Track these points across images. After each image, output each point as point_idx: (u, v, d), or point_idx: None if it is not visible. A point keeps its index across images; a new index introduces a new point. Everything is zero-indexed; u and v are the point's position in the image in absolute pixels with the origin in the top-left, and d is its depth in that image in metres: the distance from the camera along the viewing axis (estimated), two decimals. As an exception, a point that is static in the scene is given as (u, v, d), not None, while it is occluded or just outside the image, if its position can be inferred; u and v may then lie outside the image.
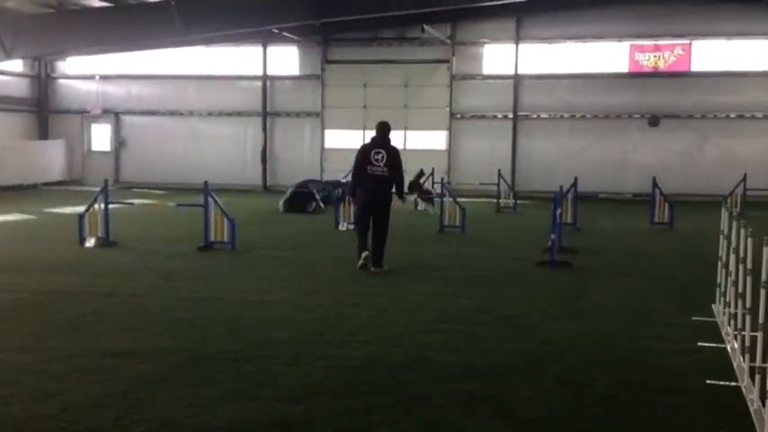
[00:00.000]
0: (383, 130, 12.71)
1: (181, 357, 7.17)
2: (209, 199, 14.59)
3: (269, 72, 35.04)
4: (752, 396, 5.98)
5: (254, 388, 6.27)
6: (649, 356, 7.40)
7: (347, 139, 33.60)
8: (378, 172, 12.24)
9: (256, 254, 14.32)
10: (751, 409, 5.82)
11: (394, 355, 7.30)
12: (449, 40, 32.95)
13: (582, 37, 31.86)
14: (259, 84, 35.08)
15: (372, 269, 12.09)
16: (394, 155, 12.42)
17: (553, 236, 13.32)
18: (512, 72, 32.79)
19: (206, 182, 14.85)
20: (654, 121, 31.07)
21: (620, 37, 31.44)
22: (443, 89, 33.51)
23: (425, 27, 30.70)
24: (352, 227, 18.94)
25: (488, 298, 10.27)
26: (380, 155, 12.38)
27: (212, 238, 14.60)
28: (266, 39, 33.64)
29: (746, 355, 6.58)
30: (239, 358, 7.14)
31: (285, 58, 35.03)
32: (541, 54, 32.57)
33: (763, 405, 5.45)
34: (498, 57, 33.12)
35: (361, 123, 33.97)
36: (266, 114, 35.18)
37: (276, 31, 30.88)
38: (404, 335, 8.13)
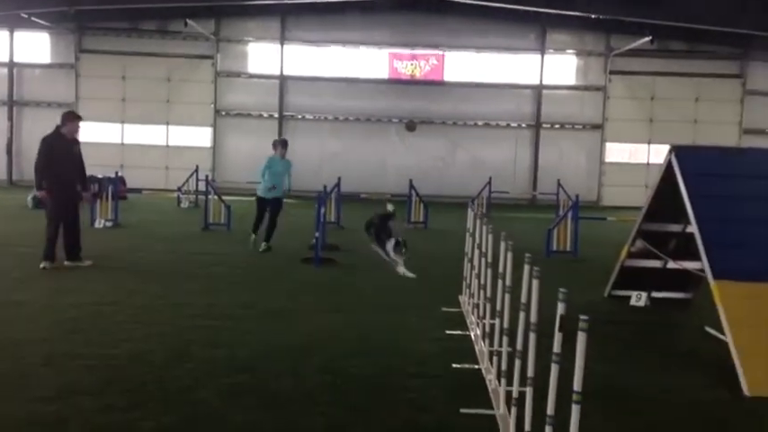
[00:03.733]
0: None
1: None
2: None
3: (16, 59, 32.60)
4: (490, 377, 6.63)
5: (4, 389, 5.93)
6: (403, 344, 7.91)
7: (105, 133, 32.10)
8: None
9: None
10: (489, 388, 6.45)
11: (156, 352, 7.21)
12: (213, 36, 32.57)
13: (346, 42, 32.88)
14: (4, 71, 32.52)
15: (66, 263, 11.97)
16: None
17: (317, 234, 13.71)
18: (277, 72, 33.09)
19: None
20: (411, 126, 32.77)
21: (380, 44, 32.83)
22: (208, 85, 33.08)
23: (188, 21, 30.15)
24: (110, 224, 18.21)
25: (254, 294, 10.39)
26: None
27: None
28: (13, 24, 31.26)
29: (486, 341, 7.28)
30: (-15, 361, 6.69)
31: (35, 46, 32.77)
32: (307, 56, 33.18)
33: (499, 384, 6.06)
34: (264, 56, 33.28)
35: (120, 116, 32.63)
36: (12, 104, 32.69)
37: (25, 16, 28.80)
38: (166, 332, 8.03)
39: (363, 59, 33.06)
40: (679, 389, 6.76)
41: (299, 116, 33.38)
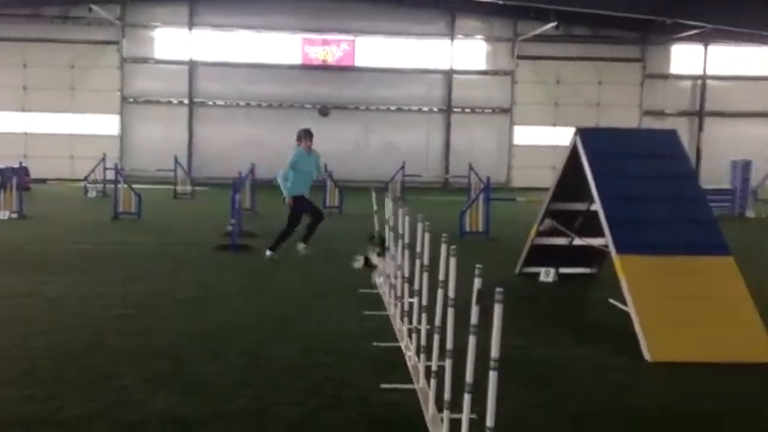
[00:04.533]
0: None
1: None
2: None
3: None
4: (410, 353, 6.85)
5: None
6: (323, 326, 8.05)
7: (6, 122, 30.98)
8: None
9: None
10: (409, 364, 6.67)
11: (73, 342, 7.13)
12: (118, 22, 31.77)
13: (257, 27, 32.60)
14: None
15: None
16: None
17: (233, 220, 13.67)
18: (186, 58, 32.55)
19: None
20: (324, 111, 32.81)
21: (292, 30, 32.70)
22: (113, 72, 32.30)
23: (93, 7, 29.31)
24: (15, 216, 17.66)
25: (170, 282, 10.33)
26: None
27: None
28: None
29: (405, 319, 7.49)
30: None
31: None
32: (217, 41, 32.76)
33: (419, 359, 6.28)
34: (172, 41, 32.68)
35: (21, 105, 31.53)
36: None
37: None
38: (82, 322, 7.94)
39: (275, 45, 32.86)
40: (586, 357, 7.14)
41: (210, 102, 32.95)
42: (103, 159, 24.90)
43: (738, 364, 6.86)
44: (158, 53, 32.62)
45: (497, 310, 3.69)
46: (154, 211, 18.93)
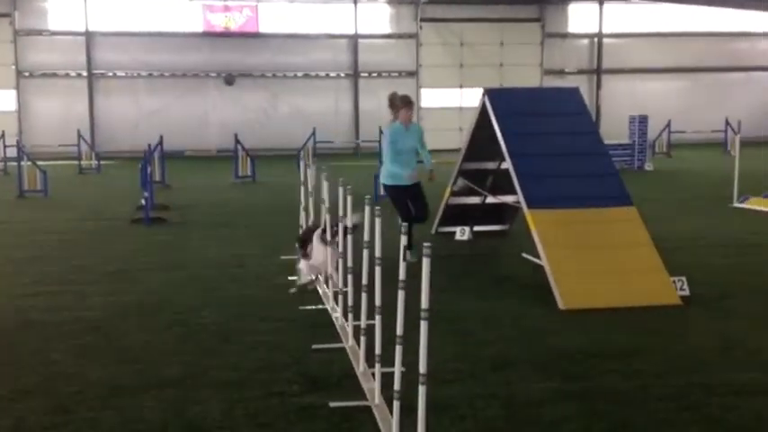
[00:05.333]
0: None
1: None
2: None
3: None
4: (336, 314, 7.07)
5: None
6: (248, 293, 8.18)
7: None
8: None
9: None
10: (336, 324, 6.89)
11: (-4, 322, 7.06)
12: (9, -8, 30.44)
13: (154, -5, 31.72)
14: None
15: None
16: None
17: (146, 193, 13.52)
18: (82, 28, 31.48)
19: None
20: (230, 79, 32.36)
21: (192, -4, 31.97)
22: (7, 45, 31.02)
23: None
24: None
25: (88, 258, 10.21)
26: None
27: None
28: None
29: (330, 282, 7.70)
30: None
31: None
32: (114, 10, 31.74)
33: (346, 320, 6.50)
34: (67, 11, 31.50)
35: None
36: None
37: None
38: (4, 302, 7.83)
39: (175, 12, 32.08)
40: (503, 309, 7.51)
41: (110, 74, 32.03)
42: (2, 136, 24.00)
43: (645, 306, 7.36)
44: (53, 24, 31.43)
45: (426, 262, 3.91)
46: (61, 188, 18.47)
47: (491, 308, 7.56)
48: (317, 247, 8.03)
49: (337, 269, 7.28)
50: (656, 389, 5.27)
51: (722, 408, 4.92)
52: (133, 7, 31.75)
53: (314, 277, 8.31)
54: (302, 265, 8.28)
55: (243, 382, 5.45)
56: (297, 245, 8.54)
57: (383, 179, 9.79)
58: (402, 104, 9.60)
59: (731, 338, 6.47)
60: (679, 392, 5.18)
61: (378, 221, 5.14)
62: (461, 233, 11.43)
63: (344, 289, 6.75)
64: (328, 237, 7.82)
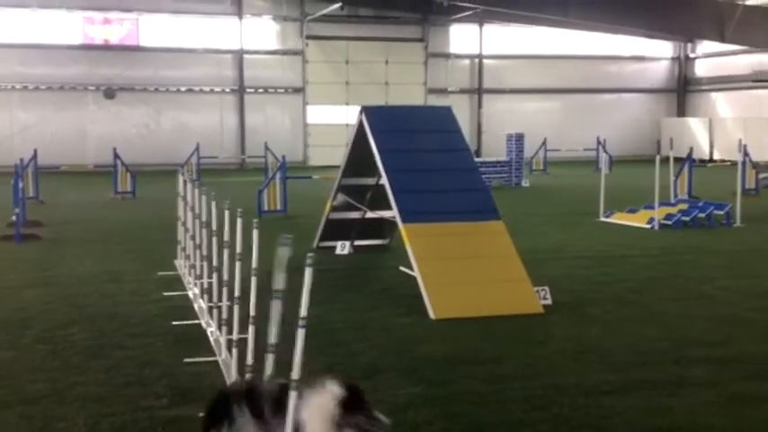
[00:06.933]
0: None
1: None
2: None
3: None
4: (211, 329, 7.10)
5: None
6: (122, 309, 8.09)
7: None
8: None
9: None
10: (211, 339, 6.92)
11: None
12: None
13: (31, 5, 30.60)
14: None
15: None
16: None
17: (17, 210, 13.07)
18: (-48, 38, 30.03)
19: None
20: (110, 93, 31.55)
21: (70, 7, 31.05)
22: None
23: None
24: None
25: (-50, 276, 9.82)
26: None
27: None
28: None
29: (205, 297, 7.71)
30: None
31: None
32: (-13, 20, 30.42)
33: (220, 333, 6.54)
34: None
35: None
36: None
37: None
38: None
39: (53, 23, 31.03)
40: (378, 319, 7.73)
41: (-18, 86, 30.65)
42: None
43: (510, 315, 7.73)
44: None
45: (308, 272, 3.97)
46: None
47: (365, 319, 7.77)
48: None
49: None
50: (513, 391, 5.59)
51: (571, 407, 5.28)
52: (9, 18, 30.53)
53: None
54: None
55: (110, 396, 5.43)
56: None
57: None
58: None
59: (586, 343, 6.90)
60: (533, 394, 5.51)
61: (255, 233, 5.24)
62: (342, 247, 11.61)
63: (219, 304, 6.78)
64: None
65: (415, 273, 8.29)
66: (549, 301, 8.13)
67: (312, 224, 12.41)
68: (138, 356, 6.40)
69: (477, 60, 36.52)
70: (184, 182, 10.07)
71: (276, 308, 4.36)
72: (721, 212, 14.56)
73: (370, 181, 11.35)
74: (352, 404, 3.41)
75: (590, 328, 7.41)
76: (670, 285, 9.42)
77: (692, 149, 18.70)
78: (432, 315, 7.75)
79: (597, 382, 5.79)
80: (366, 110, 10.06)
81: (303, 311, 4.00)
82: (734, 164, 15.84)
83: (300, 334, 3.98)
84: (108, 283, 9.48)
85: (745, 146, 17.61)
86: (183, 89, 32.76)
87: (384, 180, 9.27)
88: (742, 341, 6.95)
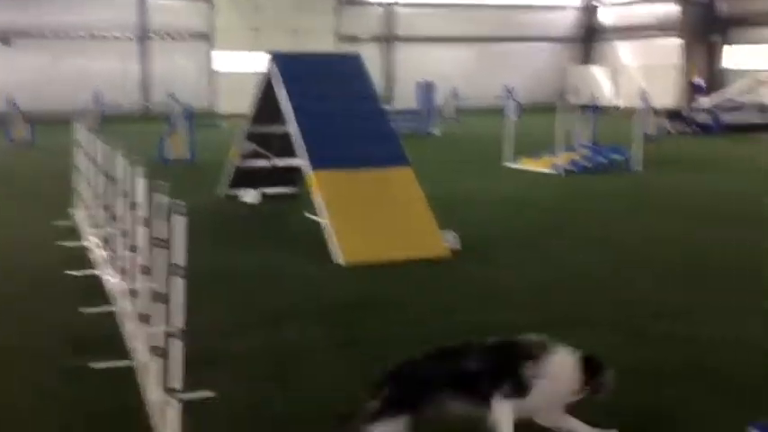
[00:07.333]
0: None
1: None
2: None
3: None
4: (107, 277, 6.86)
5: None
6: (16, 258, 7.76)
7: None
8: None
9: None
10: (107, 287, 6.68)
11: None
12: None
13: None
14: None
15: None
16: None
17: None
18: None
19: None
20: (5, 39, 30.02)
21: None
22: None
23: None
24: None
25: None
26: None
27: None
28: None
29: (102, 246, 7.45)
30: None
31: None
32: None
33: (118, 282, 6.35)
34: None
35: None
36: None
37: None
38: None
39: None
40: (287, 265, 7.66)
41: None
42: None
43: (418, 259, 7.75)
44: None
45: (180, 222, 3.84)
46: None
47: (274, 265, 7.68)
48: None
49: None
50: (417, 333, 5.61)
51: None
52: None
53: None
54: None
55: (7, 348, 5.21)
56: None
57: None
58: None
59: (491, 285, 7.01)
60: (434, 333, 5.52)
61: (143, 182, 5.04)
62: (247, 195, 11.39)
63: (113, 254, 6.56)
64: None
65: (324, 219, 8.21)
66: (458, 246, 8.19)
67: (220, 172, 12.14)
68: (34, 306, 6.17)
69: (389, 8, 36.20)
70: (81, 129, 9.67)
71: (161, 257, 4.24)
72: (622, 158, 14.99)
73: (279, 129, 11.13)
74: (592, 367, 3.83)
75: (495, 271, 7.52)
76: (573, 229, 9.65)
77: (595, 97, 19.08)
78: (340, 261, 7.72)
79: (500, 321, 5.86)
80: (275, 57, 9.83)
81: (181, 261, 3.83)
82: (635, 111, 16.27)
83: (179, 284, 3.85)
84: (0, 230, 9.06)
85: (645, 93, 18.07)
86: (83, 35, 31.36)
87: (292, 127, 9.10)
88: (644, 282, 7.18)
